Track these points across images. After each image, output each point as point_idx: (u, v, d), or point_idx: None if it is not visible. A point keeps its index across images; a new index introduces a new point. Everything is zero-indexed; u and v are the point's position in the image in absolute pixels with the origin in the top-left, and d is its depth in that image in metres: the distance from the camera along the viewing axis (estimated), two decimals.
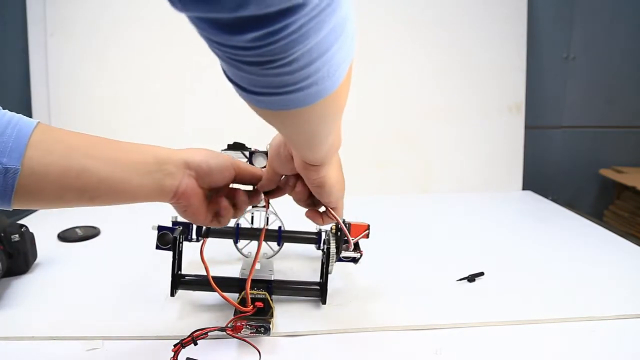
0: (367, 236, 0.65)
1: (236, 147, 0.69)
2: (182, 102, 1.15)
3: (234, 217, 0.54)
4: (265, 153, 0.67)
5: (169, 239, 0.61)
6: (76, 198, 0.42)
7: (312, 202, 0.53)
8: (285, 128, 0.39)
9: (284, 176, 0.52)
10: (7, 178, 0.38)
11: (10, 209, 0.41)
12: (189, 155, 0.47)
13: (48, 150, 0.40)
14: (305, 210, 0.54)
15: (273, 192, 0.53)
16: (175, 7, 0.26)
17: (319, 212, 0.53)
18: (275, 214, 0.70)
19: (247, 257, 0.73)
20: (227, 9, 0.24)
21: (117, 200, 0.44)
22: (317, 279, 0.61)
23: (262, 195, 0.54)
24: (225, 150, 0.67)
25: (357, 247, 0.65)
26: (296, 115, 0.34)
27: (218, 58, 0.31)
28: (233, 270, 0.69)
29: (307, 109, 0.33)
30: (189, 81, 1.16)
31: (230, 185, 0.53)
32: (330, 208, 0.52)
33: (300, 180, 0.51)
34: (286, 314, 0.59)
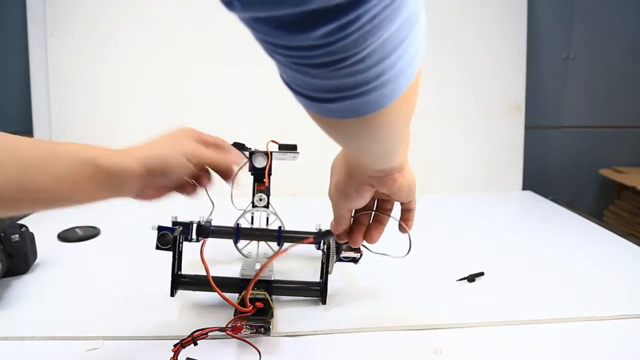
0: None
1: (236, 147, 0.69)
2: (183, 102, 1.15)
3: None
4: (265, 153, 0.66)
5: (169, 239, 0.61)
6: (31, 209, 0.45)
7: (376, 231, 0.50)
8: (359, 139, 0.35)
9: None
10: None
11: None
12: (141, 159, 0.47)
13: (2, 168, 0.40)
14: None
15: (351, 234, 0.49)
16: (233, 9, 0.24)
17: (400, 224, 0.50)
18: (275, 214, 0.70)
19: (247, 257, 0.73)
20: (292, 3, 0.22)
21: (73, 206, 0.45)
22: (317, 279, 0.61)
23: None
24: None
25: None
26: (371, 120, 0.30)
27: (279, 66, 0.29)
28: (233, 270, 0.69)
29: (382, 111, 0.30)
30: (189, 81, 1.16)
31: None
32: (408, 208, 0.49)
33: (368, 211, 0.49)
34: (286, 314, 0.59)
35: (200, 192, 0.54)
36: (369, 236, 0.49)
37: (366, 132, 0.33)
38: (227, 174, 0.53)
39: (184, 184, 0.52)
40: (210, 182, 0.54)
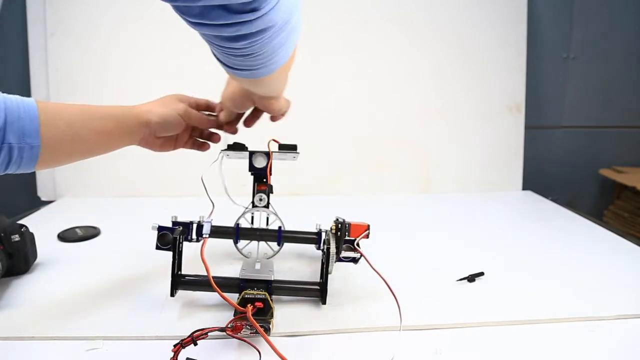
0: (367, 236, 0.65)
1: (236, 147, 0.69)
2: None
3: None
4: (265, 153, 0.67)
5: (169, 239, 0.61)
6: (79, 158, 0.59)
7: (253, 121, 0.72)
8: (255, 86, 0.59)
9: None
10: (32, 153, 0.52)
11: (33, 171, 0.55)
12: (148, 115, 0.62)
13: (55, 126, 0.53)
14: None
15: (230, 123, 0.70)
16: (189, 25, 0.41)
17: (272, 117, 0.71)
18: (276, 214, 0.70)
19: (247, 257, 0.73)
20: (230, 31, 0.40)
21: (105, 152, 0.60)
22: (317, 279, 0.61)
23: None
24: (225, 150, 0.67)
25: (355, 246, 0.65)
26: (263, 79, 0.52)
27: (214, 50, 0.47)
28: (233, 270, 0.69)
29: (269, 76, 0.51)
30: (189, 81, 1.16)
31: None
32: (281, 115, 0.70)
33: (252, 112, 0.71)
34: (286, 314, 0.59)
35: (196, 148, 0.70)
36: (246, 123, 0.71)
37: (258, 83, 0.55)
38: (212, 136, 0.71)
39: (181, 138, 0.68)
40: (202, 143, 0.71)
